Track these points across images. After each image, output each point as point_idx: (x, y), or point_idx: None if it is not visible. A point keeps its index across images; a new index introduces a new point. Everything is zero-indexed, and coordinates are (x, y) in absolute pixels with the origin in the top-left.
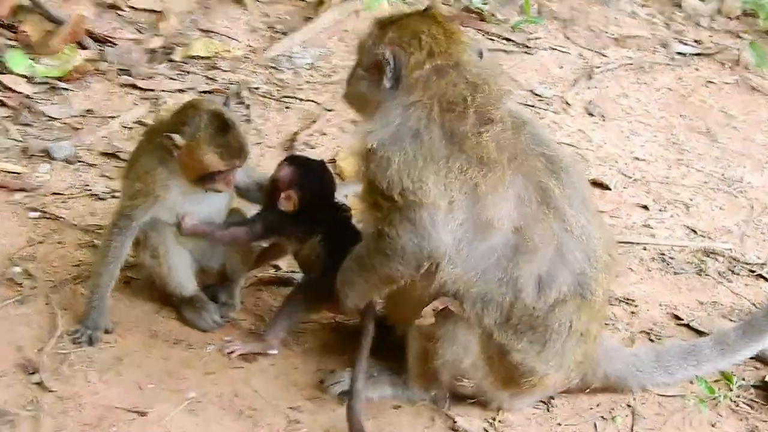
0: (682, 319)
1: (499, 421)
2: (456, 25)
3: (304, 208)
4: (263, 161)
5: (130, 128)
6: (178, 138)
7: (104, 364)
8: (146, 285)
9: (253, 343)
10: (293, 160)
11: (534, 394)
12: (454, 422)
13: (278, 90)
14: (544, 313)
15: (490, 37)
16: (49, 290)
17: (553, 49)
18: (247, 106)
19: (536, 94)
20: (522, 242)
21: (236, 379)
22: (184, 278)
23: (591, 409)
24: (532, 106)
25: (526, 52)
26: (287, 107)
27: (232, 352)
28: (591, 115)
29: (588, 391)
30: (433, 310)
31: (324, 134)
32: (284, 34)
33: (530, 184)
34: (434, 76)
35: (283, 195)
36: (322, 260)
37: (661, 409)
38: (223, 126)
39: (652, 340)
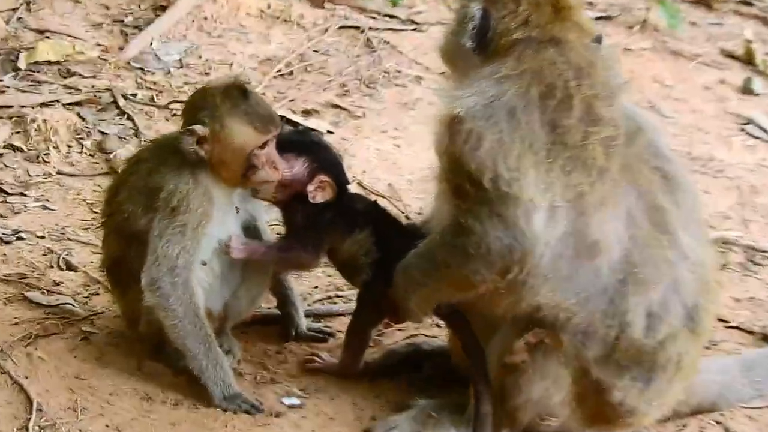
0: (729, 321)
1: None
2: (577, 3)
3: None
4: None
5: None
6: (199, 128)
7: None
8: (109, 338)
9: (334, 364)
10: (292, 145)
11: (625, 429)
12: None
13: (157, 95)
14: (652, 349)
15: (369, 15)
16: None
17: (442, 24)
18: (128, 117)
19: None
20: (632, 271)
21: None
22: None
23: (680, 429)
24: None
25: (415, 29)
26: (174, 114)
27: (311, 363)
28: None
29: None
30: (527, 343)
31: None
32: (137, 28)
33: (643, 203)
34: (528, 50)
35: (311, 186)
36: (372, 256)
37: (753, 422)
38: (242, 94)
39: (708, 348)
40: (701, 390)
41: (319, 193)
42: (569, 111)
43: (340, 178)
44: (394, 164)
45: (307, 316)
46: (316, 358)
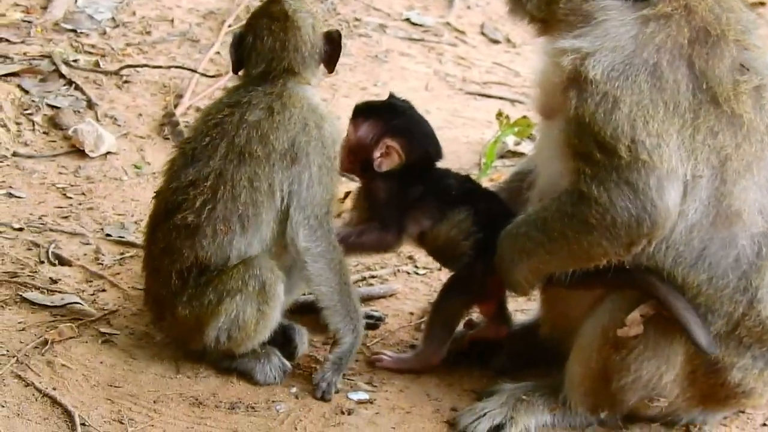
0: None
1: None
2: None
3: (414, 162)
4: (141, 154)
5: None
6: None
7: None
8: (134, 340)
9: (409, 357)
10: (363, 109)
11: (737, 409)
12: None
13: (102, 59)
14: None
15: None
16: (17, 368)
17: None
18: (76, 87)
19: (414, 24)
20: None
21: None
22: (274, 323)
23: None
24: (420, 40)
25: None
26: (126, 81)
27: (379, 361)
28: (495, 41)
29: None
30: (642, 315)
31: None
32: None
33: None
34: None
35: (377, 152)
36: (473, 240)
37: None
38: None
39: None
40: None
41: (384, 160)
42: (722, 57)
43: (419, 147)
44: None
45: None
46: (384, 355)
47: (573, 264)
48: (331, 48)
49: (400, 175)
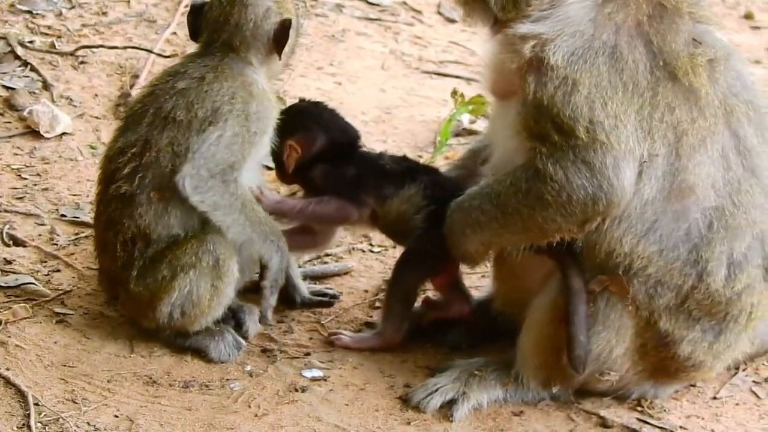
0: None
1: (650, 408)
2: None
3: (323, 151)
4: (97, 135)
5: None
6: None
7: (114, 429)
8: (88, 319)
9: (367, 337)
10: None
11: (687, 382)
12: (601, 418)
13: (58, 40)
14: (727, 300)
15: None
16: None
17: None
18: (32, 68)
19: (371, 3)
20: (722, 216)
21: (301, 416)
22: (227, 300)
23: (738, 375)
24: (377, 20)
25: None
26: (82, 62)
27: (334, 342)
28: (451, 20)
29: None
30: (589, 292)
31: None
32: None
33: (736, 143)
34: None
35: (284, 156)
36: (425, 214)
37: None
38: None
39: None
40: (760, 335)
41: (288, 160)
42: (677, 31)
43: (319, 137)
44: (342, 104)
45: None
46: (342, 334)
47: (525, 239)
48: (279, 35)
49: (327, 162)
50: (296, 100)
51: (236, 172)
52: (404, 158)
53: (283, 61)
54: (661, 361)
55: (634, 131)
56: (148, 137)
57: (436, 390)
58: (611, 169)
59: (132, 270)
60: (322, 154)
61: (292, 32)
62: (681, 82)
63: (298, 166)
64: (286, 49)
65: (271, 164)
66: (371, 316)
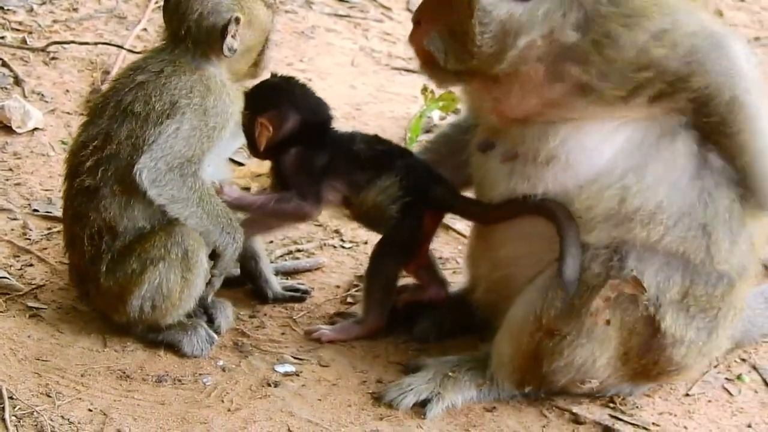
0: None
1: (622, 404)
2: None
3: (295, 132)
4: (68, 130)
5: None
6: (239, 15)
7: (88, 423)
8: (61, 314)
9: (348, 326)
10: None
11: (665, 382)
12: (574, 414)
13: (29, 36)
14: (721, 293)
15: None
16: None
17: None
18: (3, 63)
19: (341, 0)
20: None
21: (274, 411)
22: (198, 291)
23: (710, 372)
24: (347, 16)
25: None
26: (53, 58)
27: (319, 338)
28: None
29: None
30: (605, 301)
31: None
32: None
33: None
34: None
35: (256, 133)
36: (400, 204)
37: None
38: None
39: None
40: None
41: (260, 138)
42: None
43: (291, 116)
44: None
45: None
46: (323, 329)
47: None
48: (224, 32)
49: (298, 145)
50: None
51: (194, 165)
52: (378, 139)
53: (243, 59)
54: (644, 367)
55: None
56: (109, 131)
57: (410, 389)
58: None
59: (101, 264)
60: (293, 134)
61: (245, 31)
62: None
63: (269, 145)
64: (235, 46)
65: (239, 159)
66: (342, 311)
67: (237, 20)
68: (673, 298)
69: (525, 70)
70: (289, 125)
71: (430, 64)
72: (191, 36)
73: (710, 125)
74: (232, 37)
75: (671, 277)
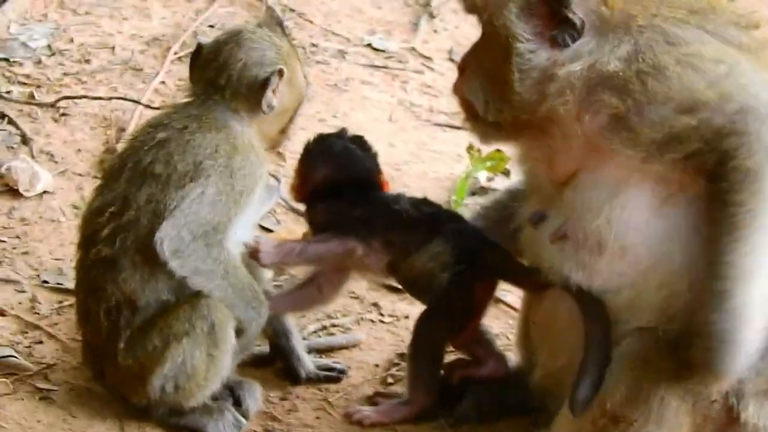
0: None
1: None
2: None
3: (321, 185)
4: (80, 193)
5: None
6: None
7: None
8: (73, 396)
9: (393, 407)
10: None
11: None
12: None
13: (36, 90)
14: None
15: None
16: None
17: None
18: (9, 120)
19: (376, 49)
20: None
21: None
22: (225, 370)
23: None
24: (383, 67)
25: None
26: (63, 114)
27: (360, 421)
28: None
29: None
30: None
31: None
32: None
33: None
34: None
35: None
36: (451, 272)
37: None
38: (282, 29)
39: None
40: None
41: (292, 186)
42: None
43: (319, 171)
44: None
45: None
46: (364, 410)
47: None
48: (265, 85)
49: (335, 197)
50: (297, 156)
51: (220, 234)
52: (425, 201)
53: (275, 120)
54: None
55: None
56: (127, 195)
57: None
58: None
59: (119, 341)
60: (325, 188)
61: (285, 88)
62: None
63: (303, 195)
64: (274, 102)
65: (268, 225)
66: (383, 392)
67: (281, 73)
68: (759, 389)
69: (560, 103)
70: (317, 178)
71: (472, 116)
72: (230, 87)
73: (714, 189)
74: (273, 92)
75: (755, 365)
